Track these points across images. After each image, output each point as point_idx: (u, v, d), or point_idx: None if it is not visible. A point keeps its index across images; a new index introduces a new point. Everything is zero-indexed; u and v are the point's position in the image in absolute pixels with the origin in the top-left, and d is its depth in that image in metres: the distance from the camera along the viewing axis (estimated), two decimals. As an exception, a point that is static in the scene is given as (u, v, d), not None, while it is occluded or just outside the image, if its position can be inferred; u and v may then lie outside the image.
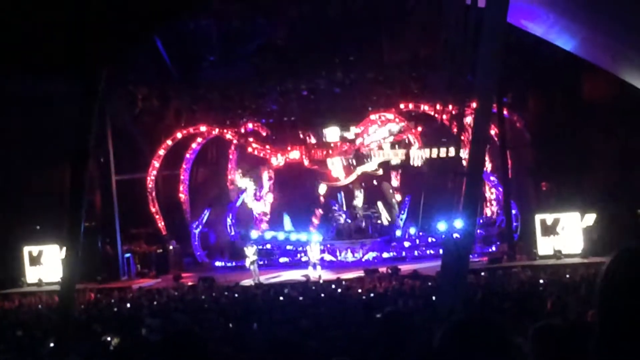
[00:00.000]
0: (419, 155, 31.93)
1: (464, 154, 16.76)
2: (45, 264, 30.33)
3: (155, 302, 20.87)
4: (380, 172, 33.29)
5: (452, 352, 2.76)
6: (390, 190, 33.66)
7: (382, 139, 32.85)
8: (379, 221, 33.74)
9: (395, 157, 32.69)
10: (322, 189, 33.78)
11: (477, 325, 2.82)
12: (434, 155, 31.05)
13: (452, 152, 29.46)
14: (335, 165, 33.28)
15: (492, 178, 31.10)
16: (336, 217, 33.80)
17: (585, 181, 28.71)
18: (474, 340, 2.75)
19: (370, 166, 33.23)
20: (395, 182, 33.88)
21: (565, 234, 27.35)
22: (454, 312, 9.33)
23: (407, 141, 32.69)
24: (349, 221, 33.60)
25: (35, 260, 30.71)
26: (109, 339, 10.55)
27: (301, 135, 34.03)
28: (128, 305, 20.54)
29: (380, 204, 33.83)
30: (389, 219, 33.63)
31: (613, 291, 2.40)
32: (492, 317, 2.93)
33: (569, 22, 19.69)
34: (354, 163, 33.17)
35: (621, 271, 2.41)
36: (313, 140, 33.83)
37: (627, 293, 2.37)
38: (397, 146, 32.41)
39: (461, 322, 2.86)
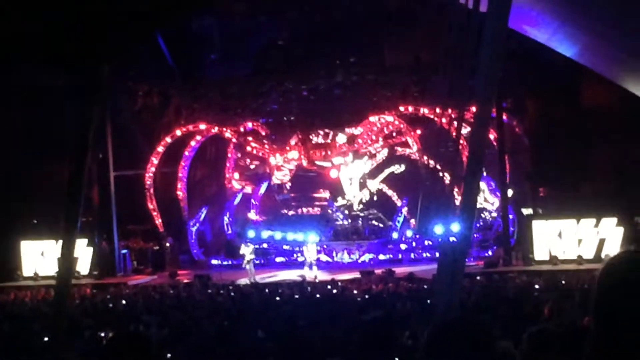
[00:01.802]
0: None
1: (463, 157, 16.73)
2: (42, 258, 30.31)
3: (150, 299, 20.85)
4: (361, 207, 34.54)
5: (436, 351, 2.80)
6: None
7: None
8: (376, 223, 33.81)
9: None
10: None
11: (462, 325, 2.86)
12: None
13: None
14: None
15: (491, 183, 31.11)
16: (334, 218, 33.85)
17: (583, 187, 28.73)
18: (457, 339, 2.78)
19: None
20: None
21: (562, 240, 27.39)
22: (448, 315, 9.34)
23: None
24: (346, 222, 33.64)
25: (31, 255, 30.71)
26: (103, 334, 10.54)
27: (300, 136, 34.10)
28: (123, 301, 20.51)
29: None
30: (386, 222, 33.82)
31: (607, 296, 2.42)
32: (477, 318, 2.97)
33: (571, 28, 19.71)
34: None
35: (614, 276, 2.42)
36: (313, 141, 33.94)
37: (620, 298, 2.38)
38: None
39: (446, 323, 2.90)
